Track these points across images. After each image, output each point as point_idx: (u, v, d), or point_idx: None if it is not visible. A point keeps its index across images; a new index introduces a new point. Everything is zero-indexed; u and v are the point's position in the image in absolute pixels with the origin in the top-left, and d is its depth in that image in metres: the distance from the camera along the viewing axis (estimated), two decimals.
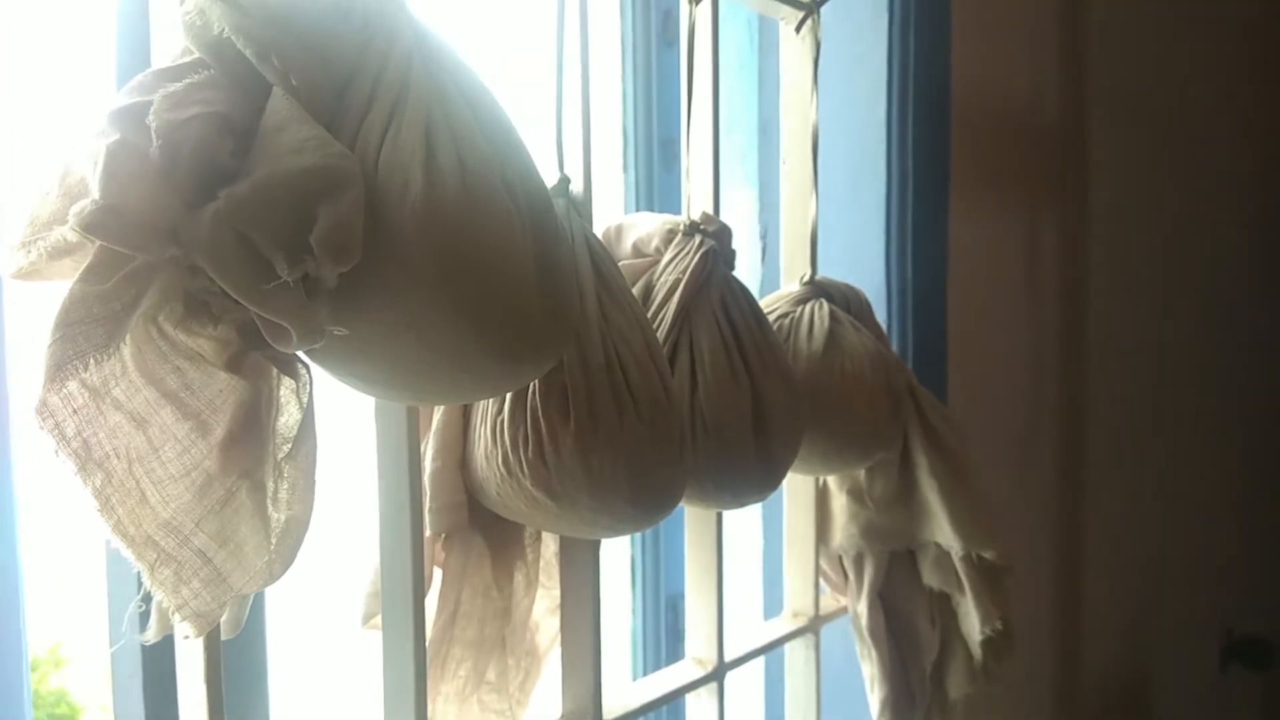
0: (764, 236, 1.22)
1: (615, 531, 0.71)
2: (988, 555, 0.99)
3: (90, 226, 0.45)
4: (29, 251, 0.49)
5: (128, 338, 0.49)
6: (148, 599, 0.57)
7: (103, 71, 0.58)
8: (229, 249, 0.47)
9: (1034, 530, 1.62)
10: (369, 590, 0.72)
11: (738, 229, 1.20)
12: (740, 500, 0.82)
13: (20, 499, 0.65)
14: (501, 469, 0.67)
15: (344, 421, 0.67)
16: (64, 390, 0.48)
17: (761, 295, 1.00)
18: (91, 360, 0.47)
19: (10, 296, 0.63)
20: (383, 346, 0.53)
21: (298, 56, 0.50)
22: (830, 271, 1.03)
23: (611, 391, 0.66)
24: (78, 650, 1.04)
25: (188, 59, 0.51)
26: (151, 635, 0.58)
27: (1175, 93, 2.00)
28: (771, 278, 1.20)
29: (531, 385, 0.66)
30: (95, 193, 0.46)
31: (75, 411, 0.49)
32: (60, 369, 0.47)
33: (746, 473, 0.80)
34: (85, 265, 0.47)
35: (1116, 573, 1.90)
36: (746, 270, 1.23)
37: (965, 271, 1.27)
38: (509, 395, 0.67)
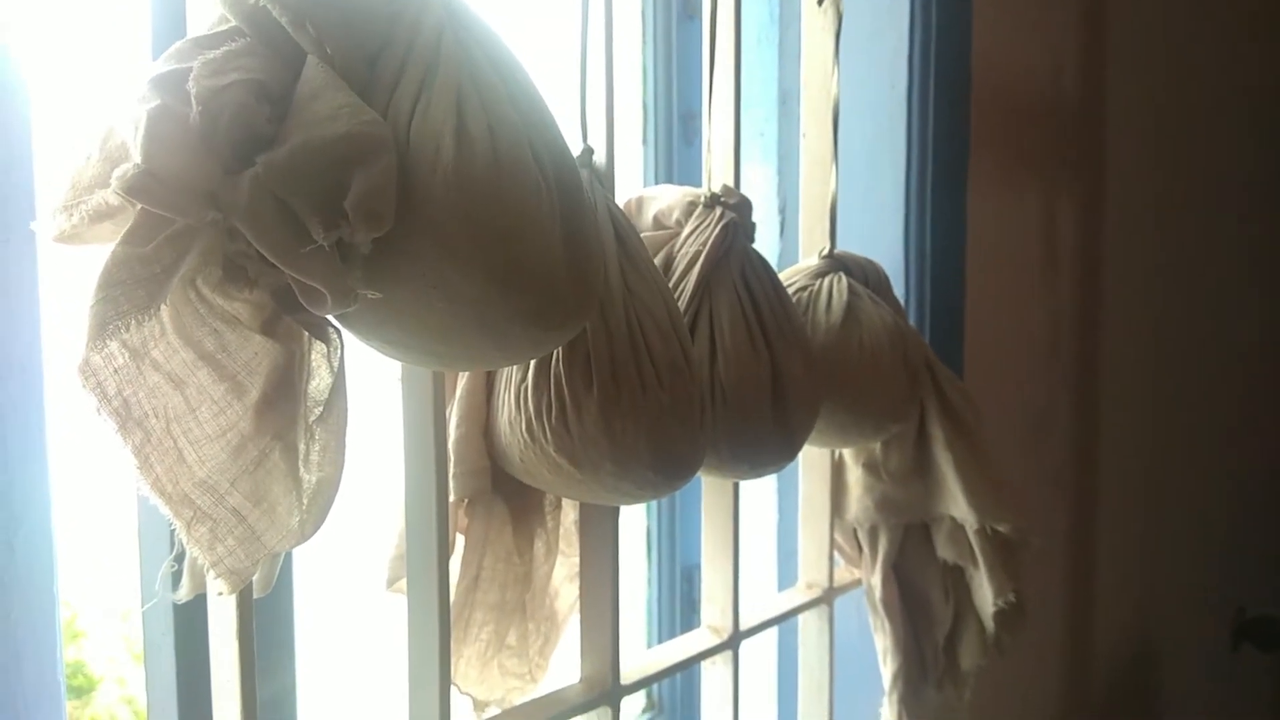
0: (783, 210, 1.23)
1: (636, 498, 0.72)
2: (1002, 529, 1.00)
3: (133, 190, 0.46)
4: (71, 215, 0.50)
5: (167, 300, 0.50)
6: (179, 559, 0.58)
7: (138, 39, 0.59)
8: (267, 213, 0.48)
9: (1048, 505, 1.63)
10: (394, 554, 0.74)
11: (756, 202, 1.21)
12: (758, 470, 0.83)
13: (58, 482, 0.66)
14: (525, 435, 0.69)
15: (371, 387, 0.69)
16: (106, 350, 0.49)
17: (780, 268, 1.01)
18: (133, 321, 0.49)
19: (47, 268, 0.64)
20: (413, 310, 0.54)
21: (332, 25, 0.51)
22: (849, 246, 1.03)
23: (634, 359, 0.67)
24: (94, 623, 1.05)
25: (224, 27, 0.52)
26: (184, 594, 0.59)
27: (1196, 71, 1.99)
28: (790, 251, 1.21)
29: (555, 353, 0.67)
30: (137, 157, 0.47)
31: (116, 371, 0.50)
32: (103, 329, 0.48)
33: (764, 443, 0.81)
34: (127, 228, 0.48)
35: (1129, 550, 1.91)
36: (765, 243, 1.23)
37: (983, 247, 1.28)
38: (532, 362, 0.68)
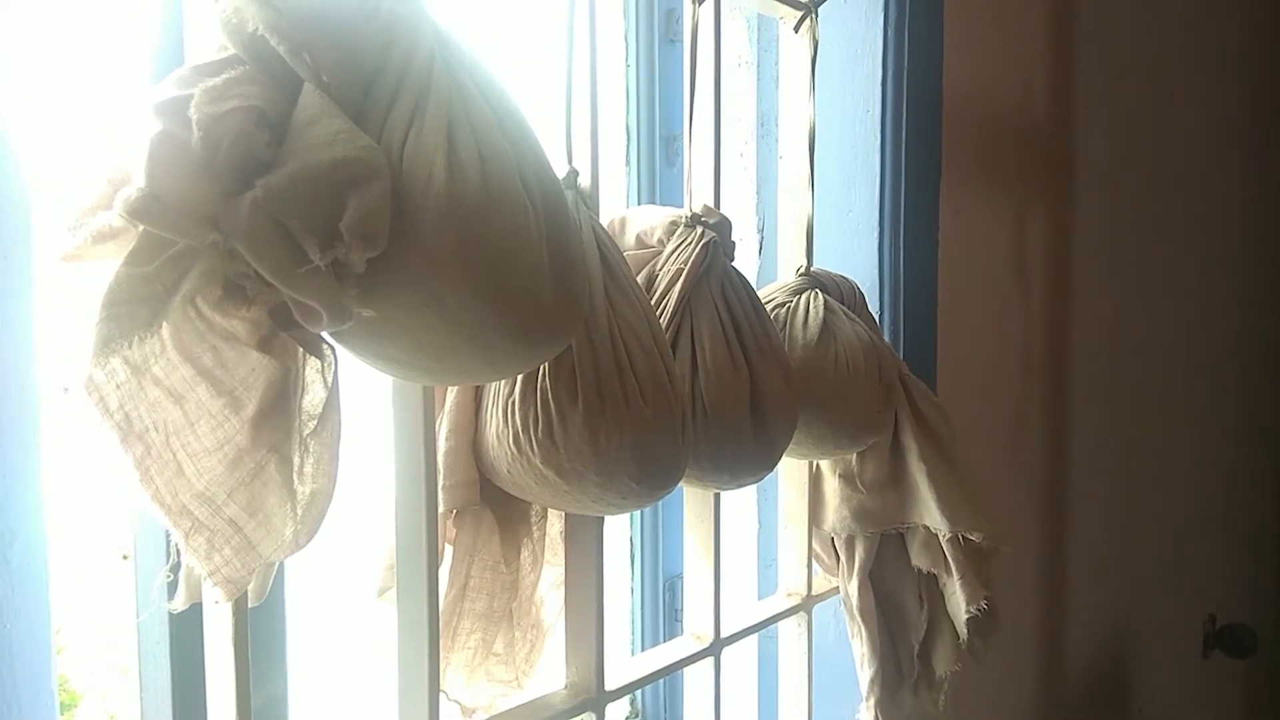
0: (761, 229, 1.25)
1: (620, 508, 0.74)
2: (974, 537, 1.02)
3: (136, 212, 0.48)
4: (75, 235, 0.52)
5: (167, 318, 0.52)
6: (175, 569, 0.60)
7: (134, 62, 0.61)
8: (266, 235, 0.50)
9: (1020, 515, 1.66)
10: (384, 564, 0.76)
11: (736, 222, 1.23)
12: (738, 481, 0.85)
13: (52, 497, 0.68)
14: (512, 448, 0.71)
15: (363, 402, 0.71)
16: (108, 366, 0.51)
17: (759, 286, 1.04)
18: (135, 338, 0.51)
19: (43, 285, 0.65)
20: (405, 327, 0.56)
21: (328, 54, 0.53)
22: (825, 264, 1.06)
23: (618, 374, 0.70)
24: (75, 639, 1.06)
25: (224, 55, 0.54)
26: (180, 603, 0.61)
27: (1164, 92, 2.03)
28: (769, 269, 1.24)
29: (541, 368, 0.69)
30: (140, 180, 0.49)
31: (118, 386, 0.52)
32: (105, 346, 0.50)
33: (743, 454, 0.83)
34: (130, 249, 0.50)
35: (1101, 559, 1.94)
36: (744, 261, 1.26)
37: (955, 264, 1.31)
38: (520, 377, 0.70)
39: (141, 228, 0.50)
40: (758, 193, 1.25)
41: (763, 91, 1.24)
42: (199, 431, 0.55)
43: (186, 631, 0.68)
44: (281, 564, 0.76)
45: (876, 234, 1.16)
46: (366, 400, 0.71)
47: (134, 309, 0.50)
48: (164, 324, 0.52)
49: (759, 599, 1.23)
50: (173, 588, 0.62)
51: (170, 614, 0.69)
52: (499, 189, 0.55)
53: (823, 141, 1.04)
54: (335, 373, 0.60)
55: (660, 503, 1.25)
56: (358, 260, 0.52)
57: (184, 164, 0.50)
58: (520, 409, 0.70)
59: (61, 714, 1.11)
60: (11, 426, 0.65)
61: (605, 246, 0.74)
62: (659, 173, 1.22)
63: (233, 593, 0.58)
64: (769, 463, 0.86)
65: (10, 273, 0.64)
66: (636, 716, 1.28)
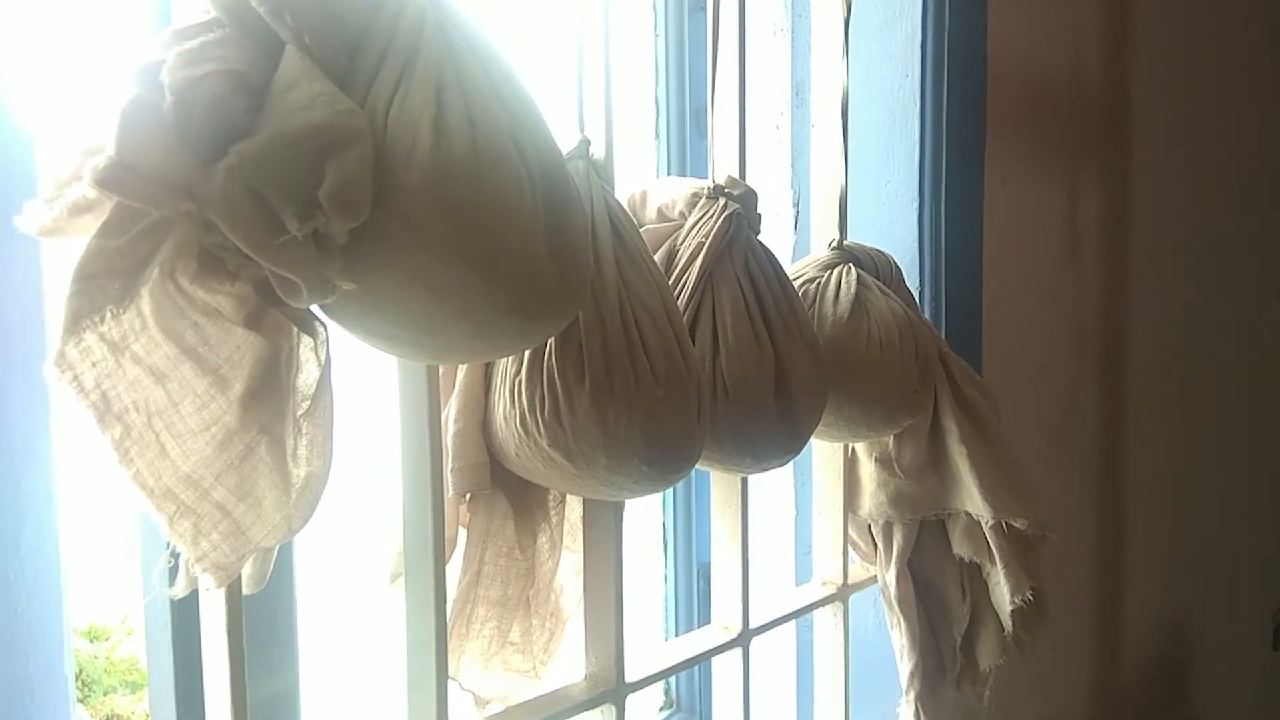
0: (796, 203, 1.21)
1: (633, 492, 0.71)
2: (1018, 524, 0.98)
3: (105, 182, 0.46)
4: (50, 208, 0.50)
5: (147, 294, 0.50)
6: (176, 555, 0.58)
7: (133, 37, 0.60)
8: (241, 204, 0.48)
9: (1072, 501, 1.60)
10: (396, 549, 0.73)
11: (772, 195, 1.19)
12: (762, 464, 0.82)
13: (62, 481, 0.67)
14: (519, 430, 0.68)
15: (368, 383, 0.69)
16: (82, 343, 0.49)
17: (795, 261, 1.00)
18: (109, 313, 0.49)
19: (50, 268, 0.64)
20: (395, 300, 0.54)
21: (311, 15, 0.51)
22: (864, 237, 1.01)
23: (628, 352, 0.67)
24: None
25: (206, 18, 0.52)
26: (179, 590, 0.59)
27: (1228, 51, 1.94)
28: (805, 243, 1.19)
29: (548, 345, 0.66)
30: (110, 149, 0.47)
31: (94, 364, 0.50)
32: (77, 321, 0.48)
33: (767, 436, 0.80)
34: (103, 221, 0.48)
35: (1160, 549, 1.87)
36: (780, 236, 1.22)
37: (1002, 238, 1.25)
38: (526, 356, 0.67)
39: (114, 199, 0.48)
40: (793, 165, 1.21)
41: (797, 60, 1.19)
42: (183, 411, 0.53)
43: (187, 618, 0.67)
44: (291, 552, 0.74)
45: (916, 205, 1.12)
46: (372, 381, 0.69)
47: (104, 283, 0.48)
48: (145, 300, 0.50)
49: (795, 587, 1.19)
50: (175, 573, 0.60)
51: (172, 600, 0.67)
52: (489, 155, 0.53)
53: (859, 109, 0.99)
54: (328, 350, 0.57)
55: (693, 488, 1.22)
56: (339, 230, 0.50)
57: (156, 131, 0.47)
58: (526, 389, 0.67)
59: (133, 693, 1.14)
60: (21, 411, 0.64)
61: (618, 219, 0.71)
62: (689, 145, 1.19)
63: (223, 579, 0.56)
64: (795, 445, 0.82)
65: (16, 255, 0.63)
66: (670, 706, 1.26)
